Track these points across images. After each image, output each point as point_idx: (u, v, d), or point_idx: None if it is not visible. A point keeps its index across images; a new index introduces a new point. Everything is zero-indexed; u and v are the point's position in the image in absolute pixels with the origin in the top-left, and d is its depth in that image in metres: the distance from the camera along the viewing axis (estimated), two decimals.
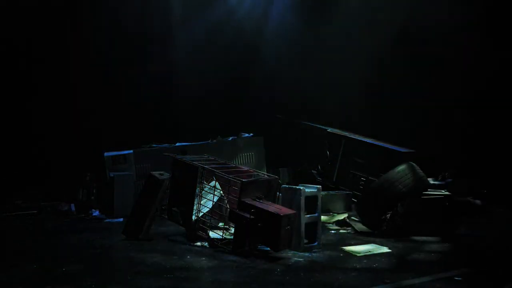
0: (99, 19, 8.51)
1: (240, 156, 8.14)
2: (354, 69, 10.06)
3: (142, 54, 9.03)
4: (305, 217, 5.03)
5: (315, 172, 8.13)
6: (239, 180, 4.95)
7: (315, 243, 5.15)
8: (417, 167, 6.13)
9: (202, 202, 5.47)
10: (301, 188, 5.10)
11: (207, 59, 9.65)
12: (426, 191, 6.14)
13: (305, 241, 5.06)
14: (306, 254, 4.92)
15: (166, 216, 5.73)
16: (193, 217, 5.46)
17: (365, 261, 4.68)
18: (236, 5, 10.00)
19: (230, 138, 8.30)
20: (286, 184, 5.66)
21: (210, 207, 5.48)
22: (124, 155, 7.53)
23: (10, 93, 7.79)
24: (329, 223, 6.69)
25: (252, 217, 4.71)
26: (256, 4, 10.18)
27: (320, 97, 9.97)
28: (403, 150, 7.09)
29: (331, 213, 7.20)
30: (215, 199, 5.45)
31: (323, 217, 6.26)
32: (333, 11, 10.25)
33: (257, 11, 10.17)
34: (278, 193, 5.41)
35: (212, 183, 5.52)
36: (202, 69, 9.59)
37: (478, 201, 7.01)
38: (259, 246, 4.97)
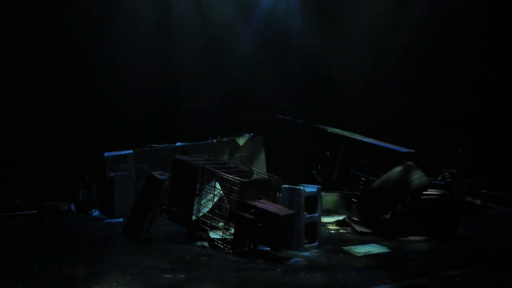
0: (100, 20, 8.52)
1: (240, 156, 8.14)
2: (356, 69, 10.12)
3: (142, 55, 9.03)
4: (305, 217, 5.04)
5: (315, 172, 8.12)
6: (239, 180, 4.95)
7: (315, 243, 5.15)
8: (417, 167, 6.13)
9: (202, 202, 5.47)
10: (301, 188, 5.10)
11: (207, 59, 9.66)
12: (426, 191, 6.14)
13: (305, 241, 5.07)
14: (306, 254, 4.92)
15: (166, 216, 5.73)
16: (193, 217, 5.46)
17: (365, 261, 4.68)
18: (239, 9, 10.03)
19: (230, 138, 8.29)
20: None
21: (210, 207, 5.48)
22: (124, 155, 7.53)
23: (10, 92, 7.78)
24: (329, 223, 6.69)
25: (252, 217, 4.71)
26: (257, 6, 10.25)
27: (321, 97, 10.02)
28: (403, 150, 7.09)
29: (331, 213, 7.20)
30: (215, 199, 5.45)
31: (323, 217, 6.26)
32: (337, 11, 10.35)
33: (258, 11, 10.22)
34: (278, 193, 5.42)
35: (212, 183, 5.52)
36: (202, 69, 9.59)
37: (478, 201, 7.02)
38: (259, 246, 4.97)
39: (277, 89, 10.16)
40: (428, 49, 9.98)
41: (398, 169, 6.10)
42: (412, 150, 7.06)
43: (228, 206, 5.27)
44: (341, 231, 6.27)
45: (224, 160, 6.17)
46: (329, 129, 8.20)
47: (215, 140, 8.15)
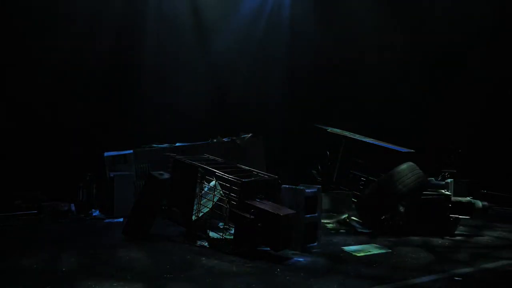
0: (100, 22, 8.52)
1: (240, 156, 8.12)
2: (357, 69, 10.12)
3: (141, 55, 9.02)
4: (305, 217, 5.04)
5: (315, 172, 8.12)
6: (239, 180, 4.95)
7: (315, 243, 5.15)
8: (417, 167, 6.13)
9: (202, 202, 5.47)
10: (301, 188, 5.10)
11: (208, 60, 9.66)
12: (426, 191, 6.14)
13: (305, 241, 5.06)
14: (306, 254, 4.92)
15: (166, 216, 5.73)
16: (193, 217, 5.46)
17: (365, 261, 4.68)
18: (238, 8, 10.02)
19: (230, 138, 8.29)
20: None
21: (210, 207, 5.48)
22: (124, 155, 7.52)
23: (10, 91, 7.78)
24: (329, 223, 6.69)
25: (252, 217, 4.71)
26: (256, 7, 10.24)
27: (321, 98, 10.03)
28: (403, 150, 7.09)
29: (331, 213, 7.20)
30: (215, 199, 5.45)
31: (323, 217, 6.26)
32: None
33: (257, 10, 10.22)
34: (278, 193, 5.42)
35: (212, 183, 5.52)
36: (202, 69, 9.59)
37: (478, 201, 7.02)
38: (259, 246, 4.97)
39: (277, 89, 10.17)
40: (429, 49, 9.99)
41: (398, 169, 6.10)
42: (412, 150, 7.06)
43: (228, 206, 5.27)
44: (341, 231, 6.27)
45: (224, 160, 6.16)
46: (329, 129, 8.19)
47: (215, 140, 8.14)
